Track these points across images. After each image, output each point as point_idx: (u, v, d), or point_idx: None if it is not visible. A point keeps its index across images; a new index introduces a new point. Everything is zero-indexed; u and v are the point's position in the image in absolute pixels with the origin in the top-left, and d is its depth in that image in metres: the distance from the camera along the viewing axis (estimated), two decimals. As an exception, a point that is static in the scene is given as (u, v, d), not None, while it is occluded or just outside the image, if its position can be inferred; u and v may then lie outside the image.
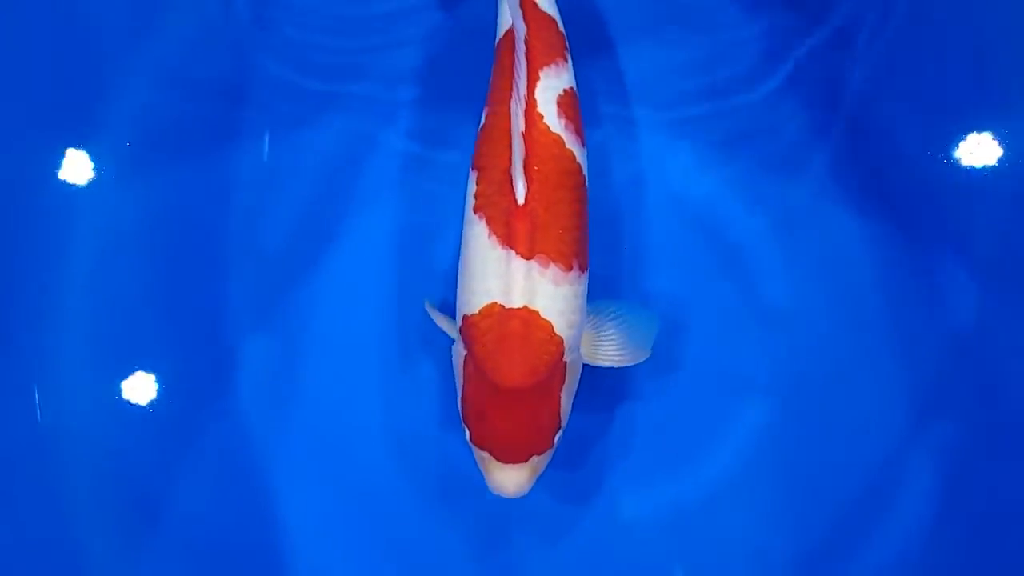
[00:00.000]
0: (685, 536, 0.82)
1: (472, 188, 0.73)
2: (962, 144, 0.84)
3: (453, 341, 0.76)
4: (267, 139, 0.88)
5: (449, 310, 0.78)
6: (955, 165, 0.84)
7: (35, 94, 0.89)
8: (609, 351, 0.75)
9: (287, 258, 0.87)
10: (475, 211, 0.72)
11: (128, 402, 0.85)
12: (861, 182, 0.85)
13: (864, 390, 0.82)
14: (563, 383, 0.72)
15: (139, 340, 0.86)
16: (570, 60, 0.76)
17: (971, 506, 0.81)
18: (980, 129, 0.84)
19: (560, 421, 0.72)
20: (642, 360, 0.75)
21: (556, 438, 0.72)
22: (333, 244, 0.87)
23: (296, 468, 0.84)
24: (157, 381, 0.85)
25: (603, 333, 0.75)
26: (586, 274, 0.74)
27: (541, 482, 0.76)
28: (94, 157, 0.88)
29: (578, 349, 0.74)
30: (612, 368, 0.76)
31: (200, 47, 0.90)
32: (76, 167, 0.88)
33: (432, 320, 0.80)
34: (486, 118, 0.74)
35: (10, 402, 0.85)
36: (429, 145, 0.88)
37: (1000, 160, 0.84)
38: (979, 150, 0.84)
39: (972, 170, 0.84)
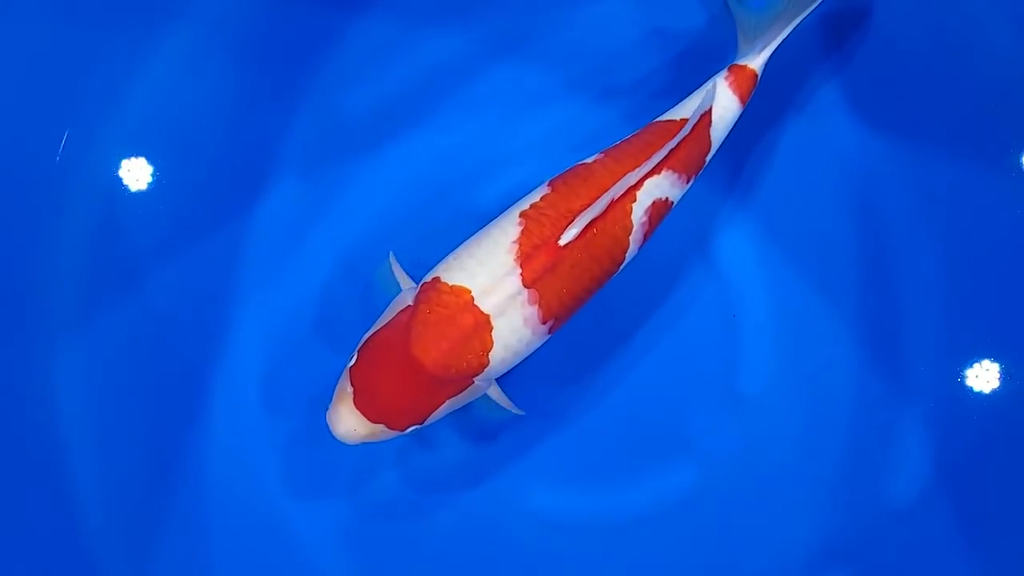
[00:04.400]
0: (580, 553, 0.84)
1: (535, 196, 0.74)
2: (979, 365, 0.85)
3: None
4: (387, 33, 0.89)
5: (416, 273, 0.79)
6: (972, 376, 0.85)
7: None
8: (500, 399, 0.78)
9: (351, 129, 0.88)
10: (520, 215, 0.73)
11: (150, 179, 0.87)
12: (868, 317, 0.86)
13: (790, 500, 0.84)
14: (455, 395, 0.73)
15: (190, 133, 0.88)
16: (691, 183, 0.77)
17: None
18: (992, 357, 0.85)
19: (424, 420, 0.73)
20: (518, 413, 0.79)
21: (408, 430, 0.73)
22: (397, 139, 0.88)
23: (267, 297, 0.86)
24: (186, 171, 0.87)
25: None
26: (545, 340, 0.75)
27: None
28: None
29: (488, 385, 0.75)
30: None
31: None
32: None
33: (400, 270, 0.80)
34: (596, 161, 0.75)
35: (36, 139, 0.86)
36: (526, 98, 0.89)
37: (1000, 389, 0.85)
38: (984, 374, 0.85)
39: (977, 391, 0.85)
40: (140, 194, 0.87)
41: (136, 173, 0.87)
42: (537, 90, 0.88)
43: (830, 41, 0.88)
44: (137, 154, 0.87)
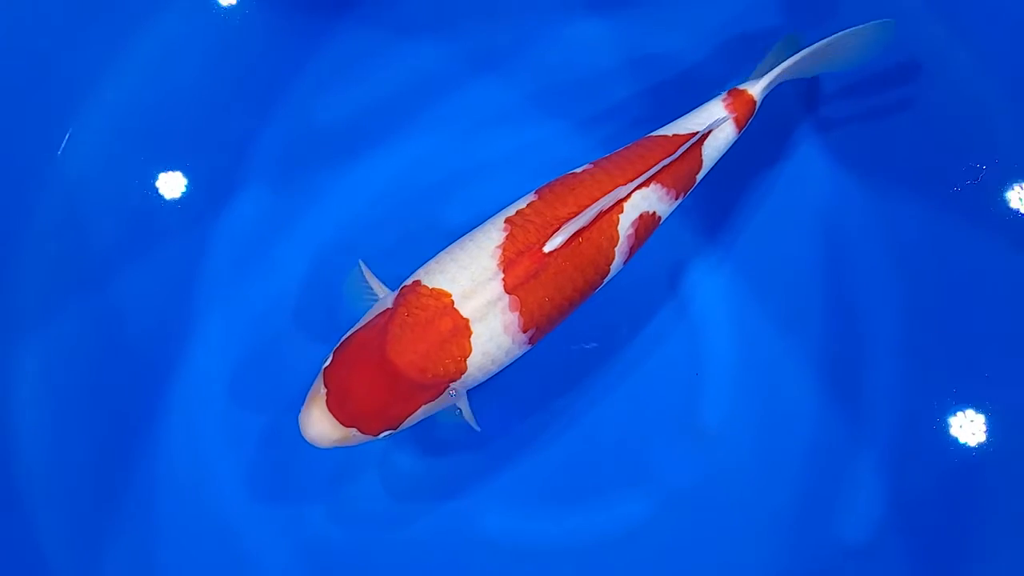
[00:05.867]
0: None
1: (521, 203, 0.73)
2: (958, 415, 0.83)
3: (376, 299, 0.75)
4: (364, 43, 0.89)
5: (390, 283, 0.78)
6: (937, 425, 0.83)
7: None
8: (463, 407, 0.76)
9: (323, 138, 0.88)
10: (506, 220, 0.72)
11: (118, 178, 0.87)
12: (830, 358, 0.85)
13: (744, 533, 0.82)
14: (430, 401, 0.71)
15: (160, 134, 0.88)
16: (681, 200, 0.76)
17: None
18: (973, 405, 0.83)
19: (399, 426, 0.71)
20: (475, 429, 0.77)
21: (383, 435, 0.71)
22: (369, 151, 0.87)
23: (231, 304, 0.85)
24: (155, 173, 0.87)
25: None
26: (526, 350, 0.73)
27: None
28: None
29: (464, 393, 0.73)
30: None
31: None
32: None
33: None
34: (584, 171, 0.74)
35: (42, 130, 0.86)
36: (501, 116, 0.88)
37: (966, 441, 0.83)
38: (967, 424, 0.83)
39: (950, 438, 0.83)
40: (106, 193, 0.86)
41: (104, 172, 0.86)
42: (513, 109, 0.88)
43: (805, 83, 0.88)
44: (107, 153, 0.87)
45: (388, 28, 0.89)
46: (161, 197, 0.87)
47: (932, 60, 0.87)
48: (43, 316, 0.84)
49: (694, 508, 0.83)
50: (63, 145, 0.86)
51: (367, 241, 0.86)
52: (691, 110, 0.78)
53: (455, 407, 0.75)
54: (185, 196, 0.87)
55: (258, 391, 0.84)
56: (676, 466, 0.83)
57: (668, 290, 0.86)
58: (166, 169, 0.87)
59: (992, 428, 0.83)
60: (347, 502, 0.83)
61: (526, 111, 0.88)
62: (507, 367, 0.73)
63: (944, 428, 0.83)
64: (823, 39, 0.79)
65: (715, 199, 0.86)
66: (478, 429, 0.77)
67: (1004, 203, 0.85)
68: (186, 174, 0.87)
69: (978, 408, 0.83)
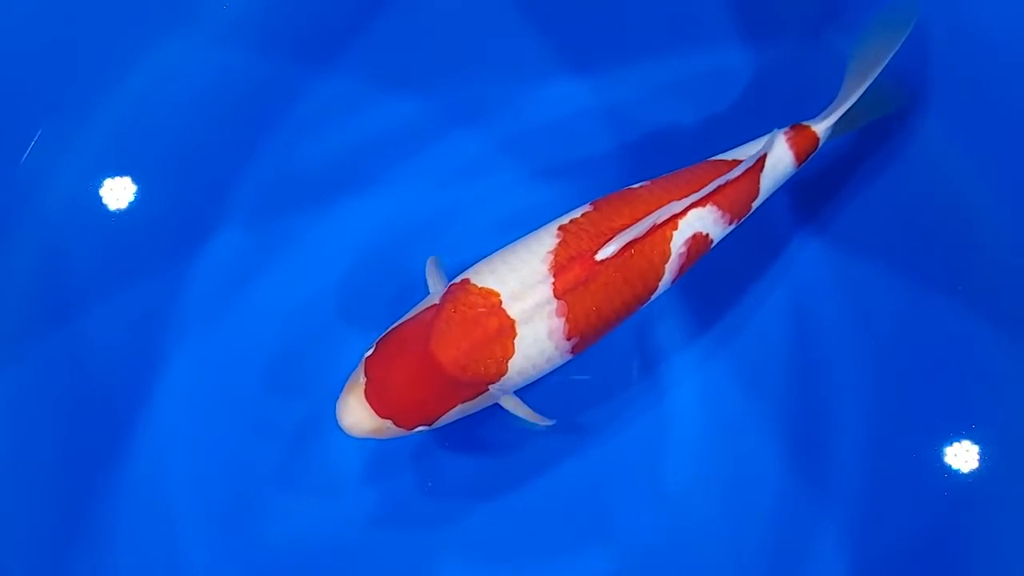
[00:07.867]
0: None
1: (576, 212, 0.73)
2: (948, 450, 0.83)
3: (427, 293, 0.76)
4: (347, 92, 0.90)
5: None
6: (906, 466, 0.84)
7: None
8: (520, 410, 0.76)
9: (301, 184, 0.88)
10: (559, 228, 0.72)
11: (96, 211, 0.88)
12: (795, 423, 0.85)
13: None
14: (468, 399, 0.71)
15: (142, 171, 0.89)
16: (734, 225, 0.76)
17: None
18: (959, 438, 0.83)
19: (432, 422, 0.71)
20: (545, 425, 0.77)
21: (416, 430, 0.71)
22: (346, 198, 0.88)
23: (200, 345, 0.86)
24: (133, 209, 0.88)
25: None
26: (567, 359, 0.73)
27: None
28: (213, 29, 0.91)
29: (501, 396, 0.73)
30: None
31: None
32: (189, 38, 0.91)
33: (425, 277, 0.79)
34: (642, 187, 0.75)
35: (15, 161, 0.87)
36: (477, 169, 0.89)
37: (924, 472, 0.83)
38: (961, 456, 0.83)
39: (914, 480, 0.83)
40: (83, 226, 0.87)
41: (82, 205, 0.87)
42: (489, 160, 0.89)
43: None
44: (86, 186, 0.88)
45: (371, 79, 0.91)
46: (135, 234, 0.88)
47: (913, 144, 0.87)
48: (13, 346, 0.85)
49: (656, 566, 0.82)
50: (41, 174, 0.87)
51: (342, 286, 0.87)
52: (743, 143, 0.78)
53: (513, 414, 0.75)
54: (160, 234, 0.88)
55: (223, 433, 0.84)
56: (639, 524, 0.83)
57: (636, 351, 0.86)
58: (144, 206, 0.88)
59: (955, 496, 0.82)
60: (301, 540, 0.83)
61: (502, 162, 0.89)
62: (532, 382, 0.74)
63: (907, 494, 0.83)
64: (857, 63, 0.79)
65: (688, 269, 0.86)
66: (549, 423, 0.77)
67: (974, 280, 0.85)
68: (163, 212, 0.88)
69: (942, 475, 0.83)
